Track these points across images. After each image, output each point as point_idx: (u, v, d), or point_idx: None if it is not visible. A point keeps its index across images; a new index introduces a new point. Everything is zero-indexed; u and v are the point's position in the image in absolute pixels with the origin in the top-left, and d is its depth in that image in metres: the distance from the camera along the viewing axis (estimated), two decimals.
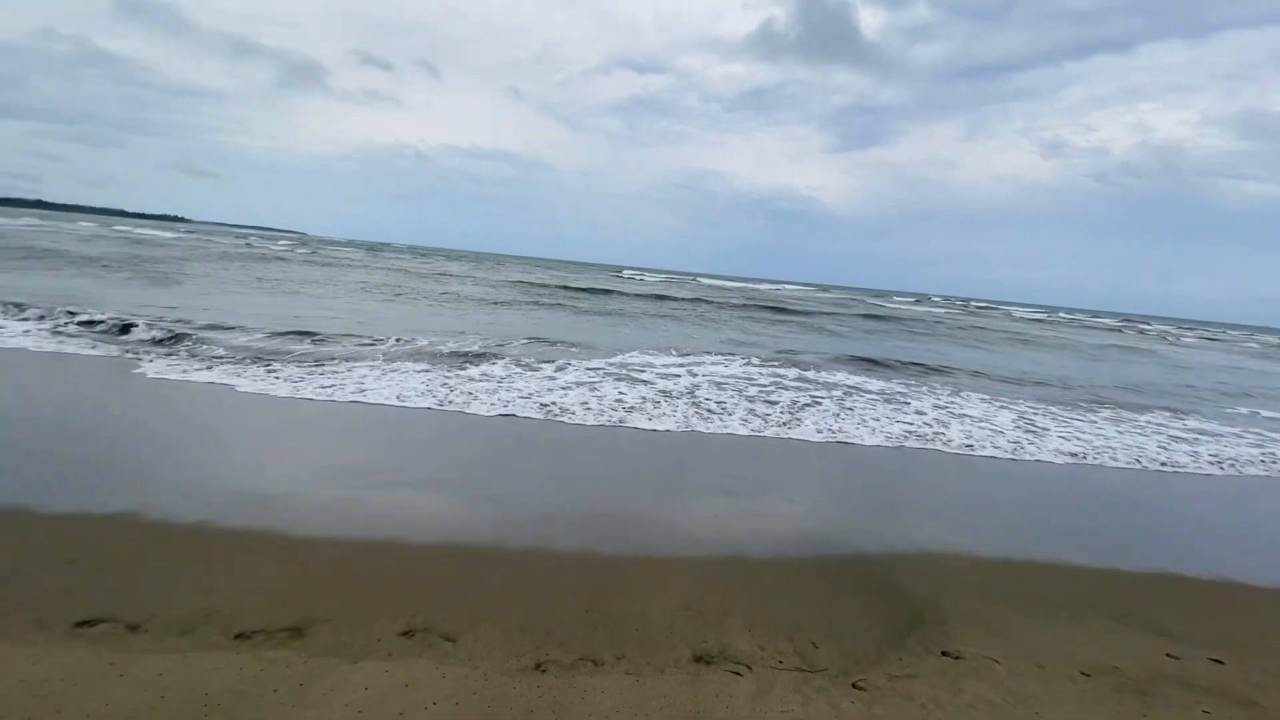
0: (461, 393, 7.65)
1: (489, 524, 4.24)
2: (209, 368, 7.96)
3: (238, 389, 7.13)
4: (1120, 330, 46.01)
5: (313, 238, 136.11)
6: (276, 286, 20.42)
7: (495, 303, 21.95)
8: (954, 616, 3.54)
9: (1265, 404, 13.65)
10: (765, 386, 9.69)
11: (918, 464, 6.81)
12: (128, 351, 8.57)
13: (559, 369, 9.56)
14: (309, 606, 3.06)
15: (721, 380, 9.85)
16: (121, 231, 50.35)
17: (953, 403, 9.82)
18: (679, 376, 9.84)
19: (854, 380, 11.05)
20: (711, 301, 31.74)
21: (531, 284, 32.79)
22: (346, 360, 9.07)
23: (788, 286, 69.59)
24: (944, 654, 3.16)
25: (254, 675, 2.53)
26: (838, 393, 9.71)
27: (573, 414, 7.22)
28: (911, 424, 8.17)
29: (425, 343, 11.00)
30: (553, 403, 7.56)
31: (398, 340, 11.01)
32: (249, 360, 8.53)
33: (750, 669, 2.88)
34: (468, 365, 9.37)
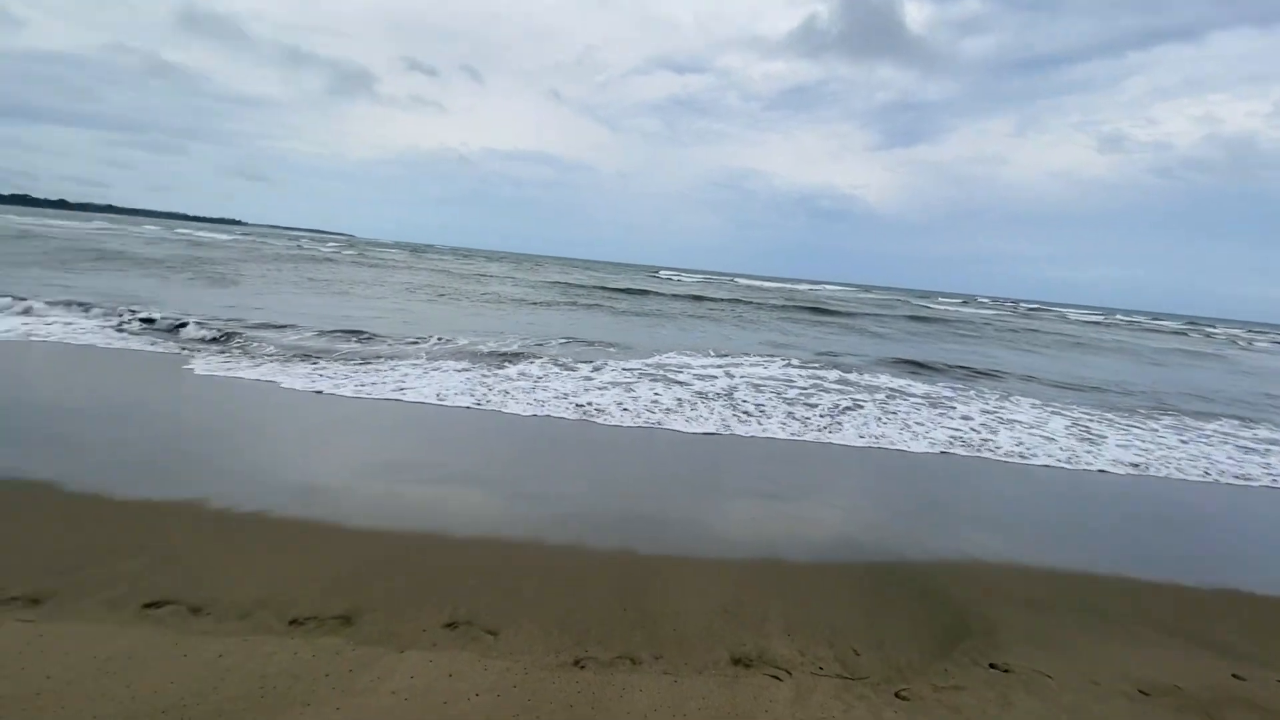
0: (499, 391, 7.79)
1: (527, 521, 4.31)
2: (259, 364, 8.31)
3: (289, 386, 7.41)
4: (1185, 334, 43.62)
5: (360, 239, 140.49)
6: (326, 287, 21.15)
7: (534, 303, 22.25)
8: (1003, 628, 3.43)
9: None
10: (805, 389, 9.55)
11: (964, 470, 6.61)
12: (184, 348, 9.02)
13: (596, 369, 9.62)
14: (358, 596, 3.17)
15: (760, 382, 9.76)
16: (183, 234, 52.97)
17: (1002, 407, 9.50)
18: (716, 378, 9.79)
19: (897, 383, 10.79)
20: (750, 302, 31.47)
21: (570, 284, 33.11)
22: (391, 359, 9.34)
23: (828, 287, 68.46)
24: (992, 666, 3.06)
25: (307, 660, 2.63)
26: (880, 396, 9.51)
27: (609, 414, 7.26)
28: (958, 429, 7.94)
29: (465, 342, 11.23)
30: (589, 403, 7.62)
31: (439, 340, 11.28)
32: (298, 358, 8.86)
33: (790, 674, 2.85)
34: (506, 364, 9.53)
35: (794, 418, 7.81)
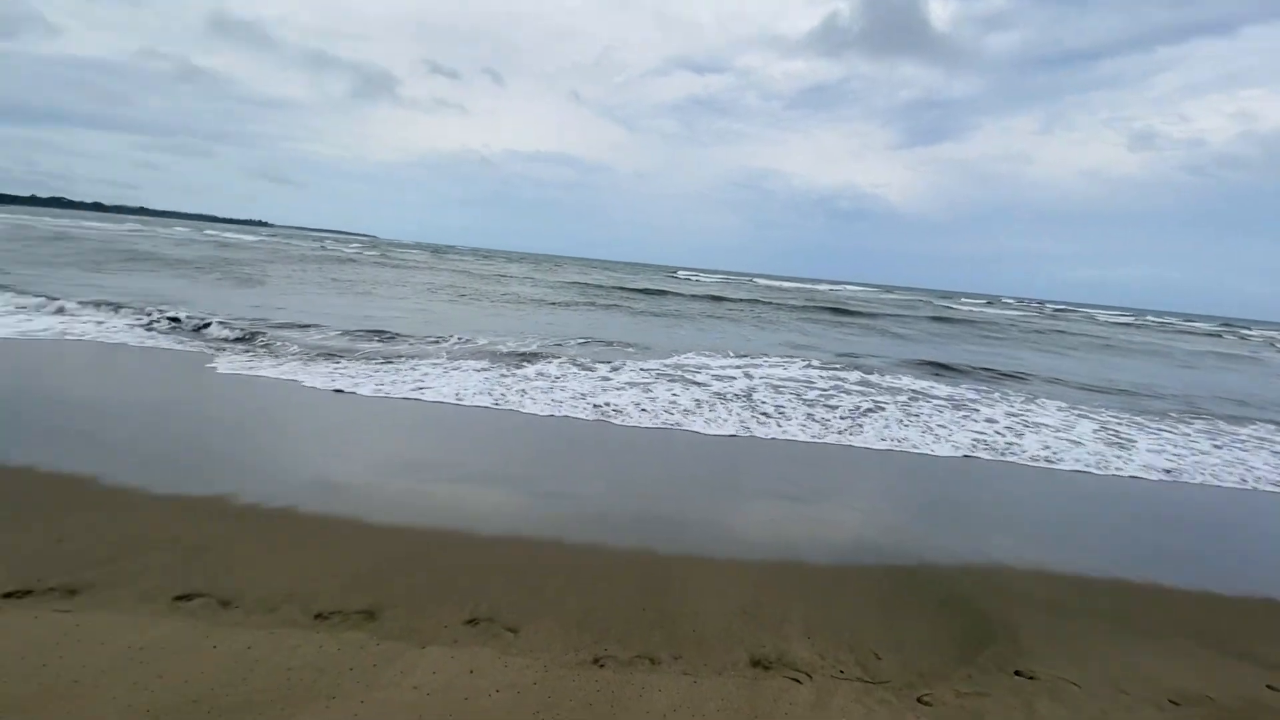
0: (517, 391, 7.84)
1: (547, 519, 4.34)
2: (282, 363, 8.47)
3: (310, 385, 7.54)
4: (1219, 335, 42.41)
5: (382, 240, 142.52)
6: (349, 287, 21.48)
7: (553, 303, 22.36)
8: (1028, 634, 3.37)
9: None
10: (825, 390, 9.47)
11: (988, 474, 6.51)
12: (210, 347, 9.22)
13: (614, 369, 9.64)
14: (380, 591, 3.22)
15: (779, 383, 9.70)
16: (211, 235, 54.24)
17: (1027, 410, 9.32)
18: (735, 379, 9.75)
19: (920, 385, 10.65)
20: (769, 303, 31.30)
21: (588, 285, 33.22)
22: (411, 358, 9.46)
23: (849, 287, 67.79)
24: (1017, 673, 3.01)
25: (332, 654, 2.68)
26: (902, 398, 9.39)
27: (627, 415, 7.27)
28: (982, 432, 7.81)
29: (485, 342, 11.33)
30: (606, 403, 7.63)
31: (459, 340, 11.39)
32: (320, 357, 9.01)
33: (810, 677, 2.84)
34: (525, 364, 9.59)
35: (814, 419, 7.75)
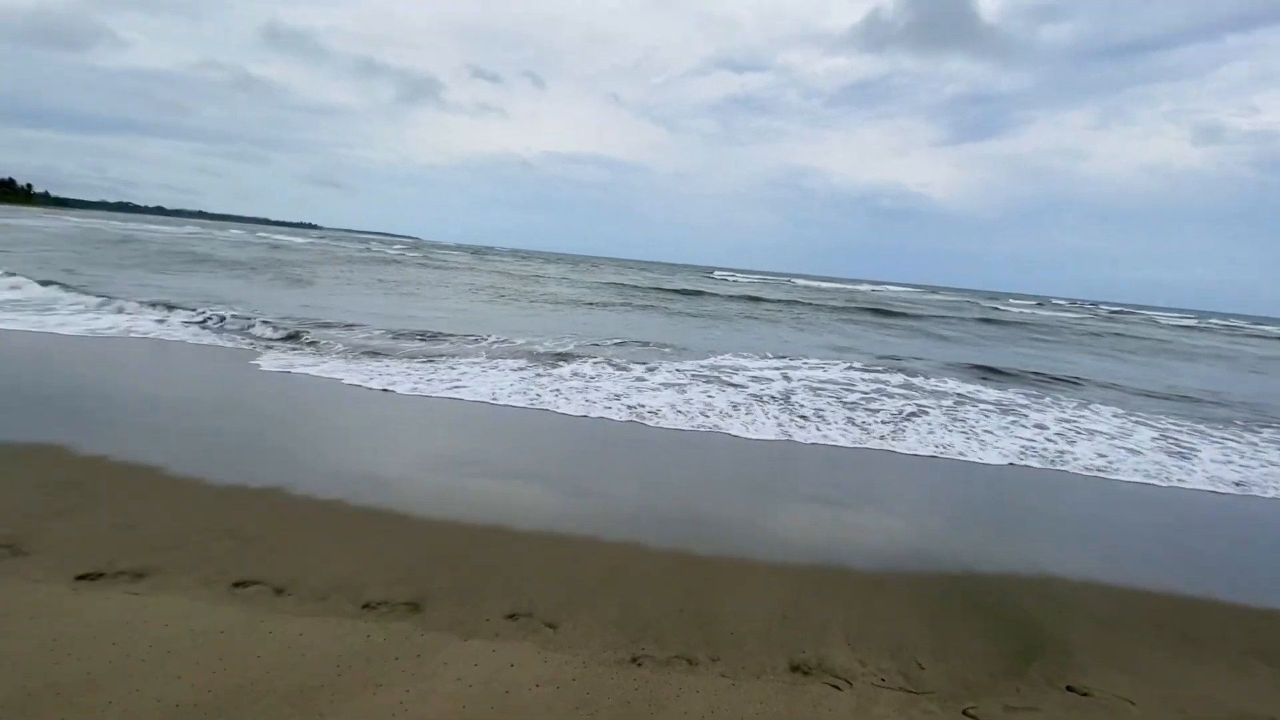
0: (552, 391, 7.92)
1: (586, 518, 4.38)
2: (325, 360, 8.77)
3: (351, 383, 7.78)
4: None
5: (425, 242, 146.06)
6: (394, 288, 22.09)
7: (590, 304, 22.53)
8: (1081, 649, 3.24)
9: None
10: (866, 393, 9.28)
11: (1038, 482, 6.28)
12: (262, 345, 9.62)
13: (650, 370, 9.66)
14: (425, 583, 3.31)
15: (818, 385, 9.55)
16: (264, 237, 56.54)
17: (1080, 416, 8.95)
18: (773, 380, 9.64)
19: (966, 389, 10.34)
20: (808, 303, 30.86)
21: (625, 285, 33.35)
22: (452, 356, 9.66)
23: (891, 288, 66.27)
24: (1069, 689, 2.90)
25: (379, 644, 2.77)
26: (947, 402, 9.14)
27: (663, 416, 7.27)
28: (1031, 439, 7.54)
29: (523, 342, 11.49)
30: (641, 404, 7.65)
31: (498, 339, 11.58)
32: (365, 355, 9.30)
33: (850, 684, 2.79)
34: (560, 364, 9.69)
35: (854, 423, 7.61)
